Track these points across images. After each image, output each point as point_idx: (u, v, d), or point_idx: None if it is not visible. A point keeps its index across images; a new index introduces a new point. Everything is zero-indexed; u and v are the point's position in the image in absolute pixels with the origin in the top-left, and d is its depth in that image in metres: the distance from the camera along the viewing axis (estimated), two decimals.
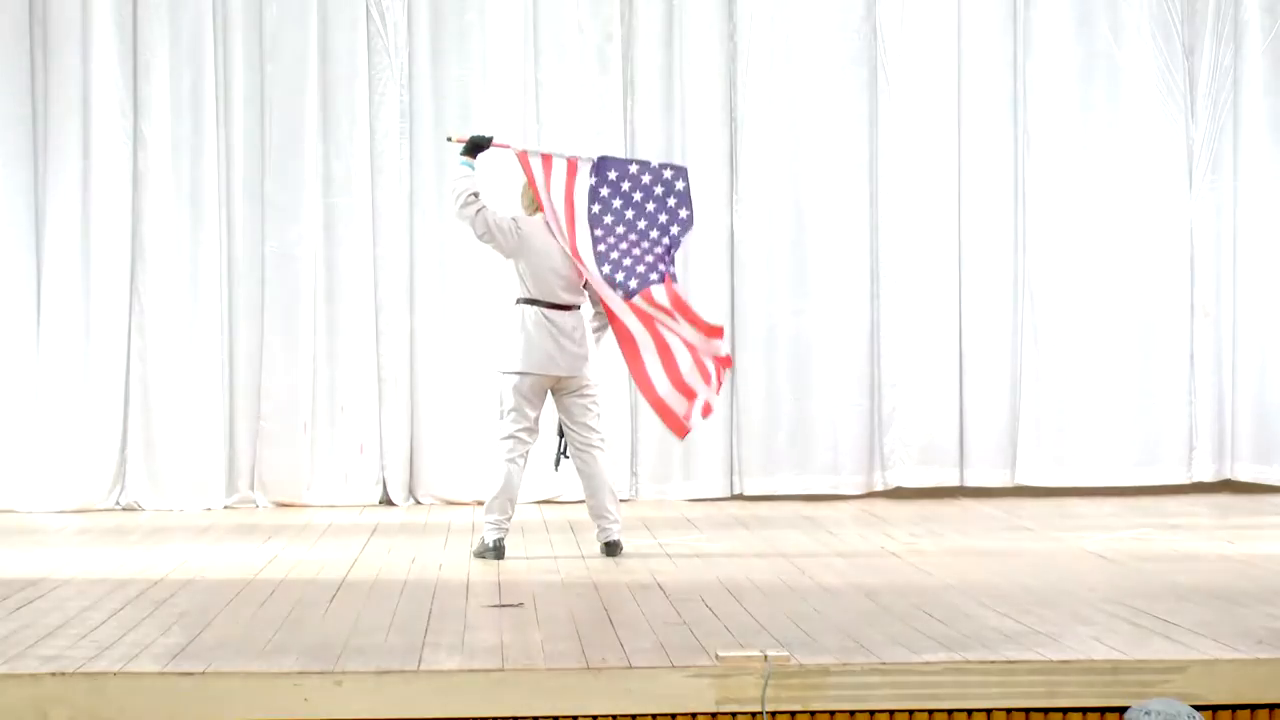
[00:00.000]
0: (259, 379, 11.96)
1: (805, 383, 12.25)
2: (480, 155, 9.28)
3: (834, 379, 12.26)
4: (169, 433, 11.80)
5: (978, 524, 10.82)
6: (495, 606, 7.65)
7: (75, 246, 11.80)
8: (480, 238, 9.28)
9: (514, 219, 9.21)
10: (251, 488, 11.97)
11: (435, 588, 8.21)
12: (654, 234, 9.10)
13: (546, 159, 9.11)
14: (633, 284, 9.06)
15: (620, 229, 9.07)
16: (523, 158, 9.11)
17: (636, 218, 9.08)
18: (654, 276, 9.07)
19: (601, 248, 9.03)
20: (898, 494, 12.25)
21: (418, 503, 12.03)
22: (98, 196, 11.79)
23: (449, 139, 9.78)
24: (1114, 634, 6.82)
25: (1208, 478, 12.43)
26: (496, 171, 9.96)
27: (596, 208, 9.05)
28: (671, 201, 9.11)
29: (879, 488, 12.30)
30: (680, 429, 9.21)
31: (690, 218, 9.16)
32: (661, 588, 8.17)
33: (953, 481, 12.33)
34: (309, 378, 11.94)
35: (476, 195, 9.14)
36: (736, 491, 12.24)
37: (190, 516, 11.45)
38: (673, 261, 9.17)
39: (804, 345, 12.26)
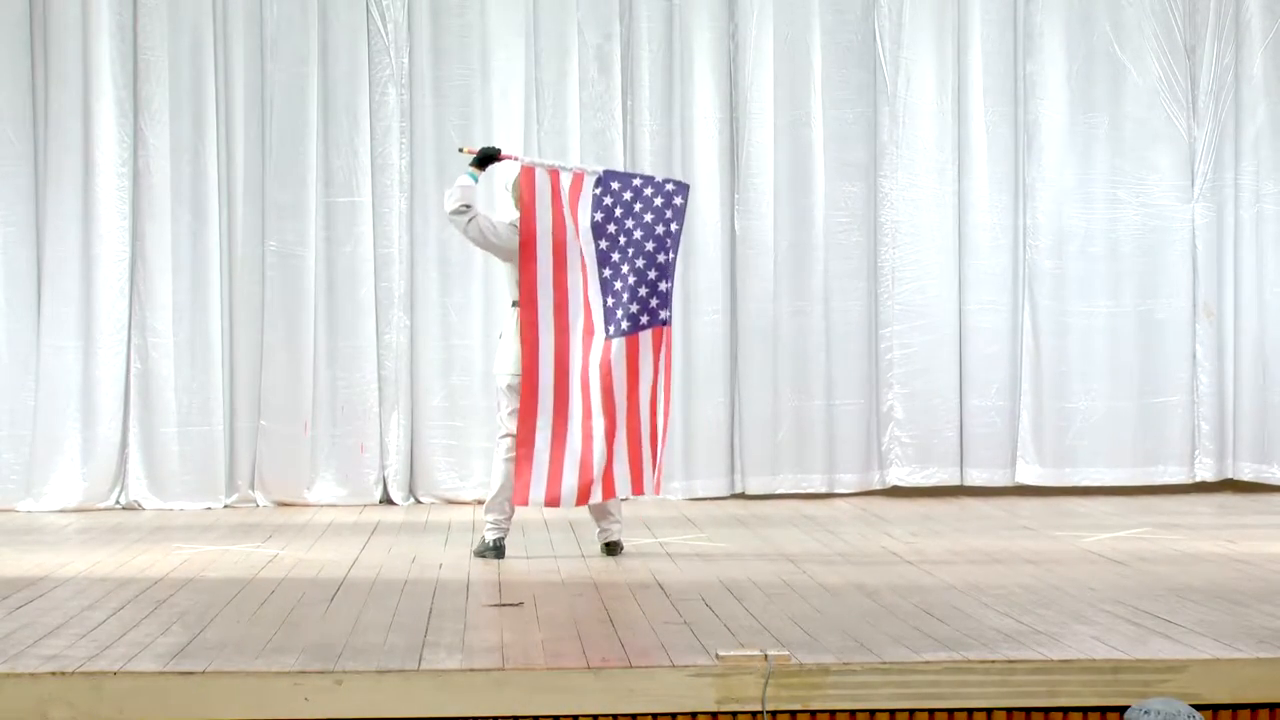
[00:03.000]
0: (259, 378, 11.96)
1: (806, 382, 12.26)
2: (488, 167, 9.32)
3: (834, 378, 12.26)
4: (169, 432, 11.81)
5: (977, 523, 10.81)
6: (495, 606, 7.65)
7: (75, 246, 11.80)
8: (476, 243, 9.31)
9: (511, 223, 9.20)
10: (252, 487, 11.97)
11: (435, 587, 8.21)
12: (661, 257, 8.97)
13: (553, 173, 9.05)
14: (625, 325, 8.94)
15: (621, 240, 8.97)
16: (528, 172, 9.05)
17: (636, 226, 8.99)
18: (645, 320, 8.98)
19: (608, 272, 8.93)
20: (898, 493, 12.26)
21: (418, 502, 12.03)
22: (98, 196, 11.80)
23: (460, 150, 9.83)
24: (1114, 633, 6.82)
25: (1209, 477, 12.43)
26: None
27: (599, 215, 8.98)
28: (669, 214, 9.02)
29: (879, 487, 12.31)
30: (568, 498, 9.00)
31: (679, 233, 9.09)
32: (662, 587, 8.17)
33: (953, 481, 12.34)
34: (309, 377, 11.95)
35: (469, 206, 9.12)
36: (737, 490, 12.24)
37: (191, 516, 11.46)
38: (665, 306, 9.01)
39: (804, 344, 12.26)
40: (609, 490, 8.98)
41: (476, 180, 9.22)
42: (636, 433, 8.93)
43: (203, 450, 11.84)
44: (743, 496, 12.19)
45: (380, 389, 12.05)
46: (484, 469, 11.64)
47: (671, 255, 9.02)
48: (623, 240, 8.97)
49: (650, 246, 8.96)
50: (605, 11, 12.21)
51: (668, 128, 12.21)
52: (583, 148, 12.10)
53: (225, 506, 11.83)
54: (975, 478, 12.36)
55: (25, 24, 11.82)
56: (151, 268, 11.87)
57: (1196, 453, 12.43)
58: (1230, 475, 12.47)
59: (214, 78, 11.91)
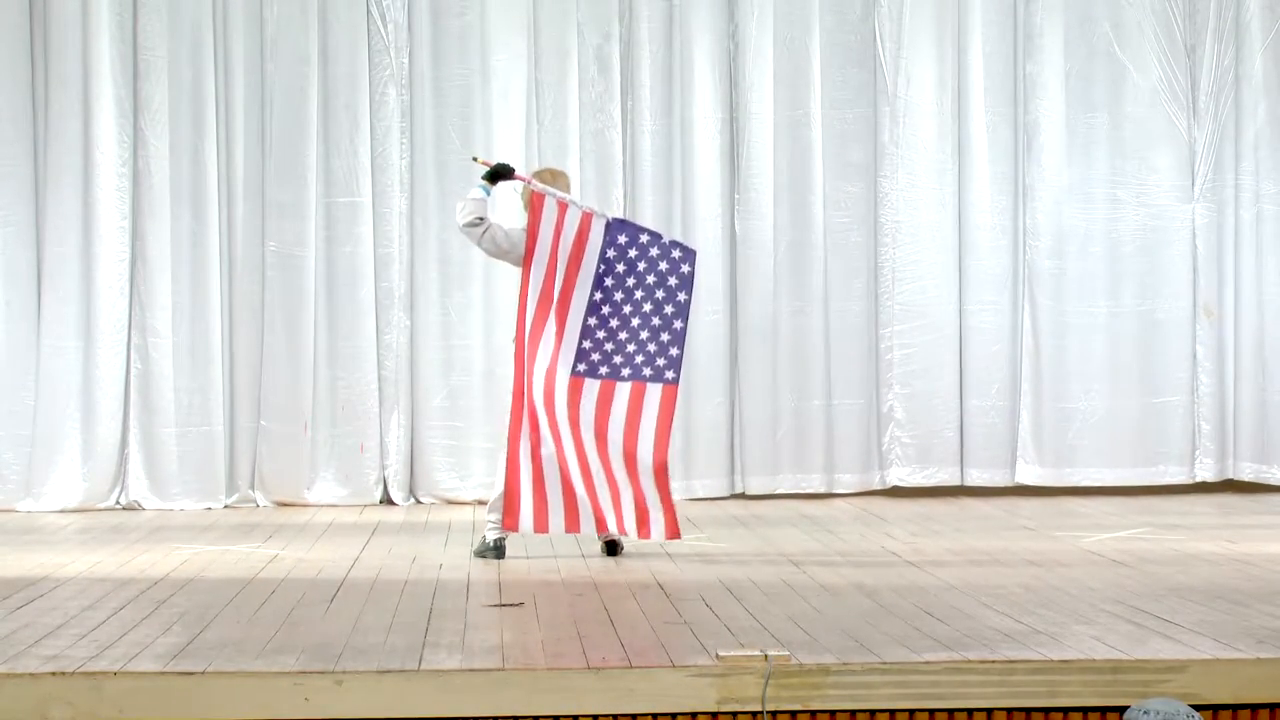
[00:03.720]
0: (259, 379, 11.97)
1: (805, 382, 12.26)
2: (500, 183, 9.25)
3: (834, 378, 12.27)
4: (169, 432, 11.81)
5: (977, 523, 10.82)
6: (496, 606, 7.65)
7: (75, 246, 11.81)
8: (490, 254, 9.26)
9: (523, 228, 9.17)
10: (252, 487, 11.98)
11: (436, 587, 8.21)
12: (655, 321, 8.94)
13: (562, 205, 9.01)
14: (603, 370, 8.92)
15: (618, 295, 8.96)
16: (537, 199, 9.02)
17: (644, 296, 8.99)
18: (627, 373, 8.97)
19: (593, 320, 8.92)
20: (898, 493, 12.26)
21: (418, 502, 12.03)
22: (98, 196, 11.80)
23: (474, 159, 9.79)
24: (1114, 633, 6.82)
25: (1210, 477, 12.43)
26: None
27: (603, 267, 8.97)
28: (673, 281, 8.98)
29: (879, 487, 12.31)
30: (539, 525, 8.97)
31: (689, 301, 9.06)
32: (662, 587, 8.17)
33: (953, 481, 12.34)
34: (309, 377, 11.95)
35: (483, 219, 9.07)
36: (737, 490, 12.25)
37: (191, 516, 11.46)
38: (672, 368, 8.95)
39: (804, 344, 12.26)
40: (600, 524, 9.00)
41: (488, 194, 9.18)
42: (641, 480, 8.92)
43: (203, 450, 11.84)
44: (743, 496, 12.19)
45: (380, 389, 12.05)
46: (484, 469, 11.65)
47: (680, 324, 8.99)
48: (619, 296, 8.95)
49: (648, 308, 8.97)
50: (605, 12, 12.21)
51: (668, 128, 12.21)
52: (582, 148, 12.11)
53: (225, 507, 11.83)
54: (975, 478, 12.36)
55: (25, 24, 11.82)
56: (151, 268, 11.87)
57: (1197, 453, 12.43)
58: (1230, 475, 12.47)
59: (214, 78, 11.91)
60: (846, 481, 12.27)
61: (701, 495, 12.13)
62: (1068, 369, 12.38)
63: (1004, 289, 12.41)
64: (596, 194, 11.98)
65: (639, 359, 8.95)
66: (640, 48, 12.21)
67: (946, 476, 12.36)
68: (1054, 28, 12.37)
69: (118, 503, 11.84)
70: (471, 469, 11.97)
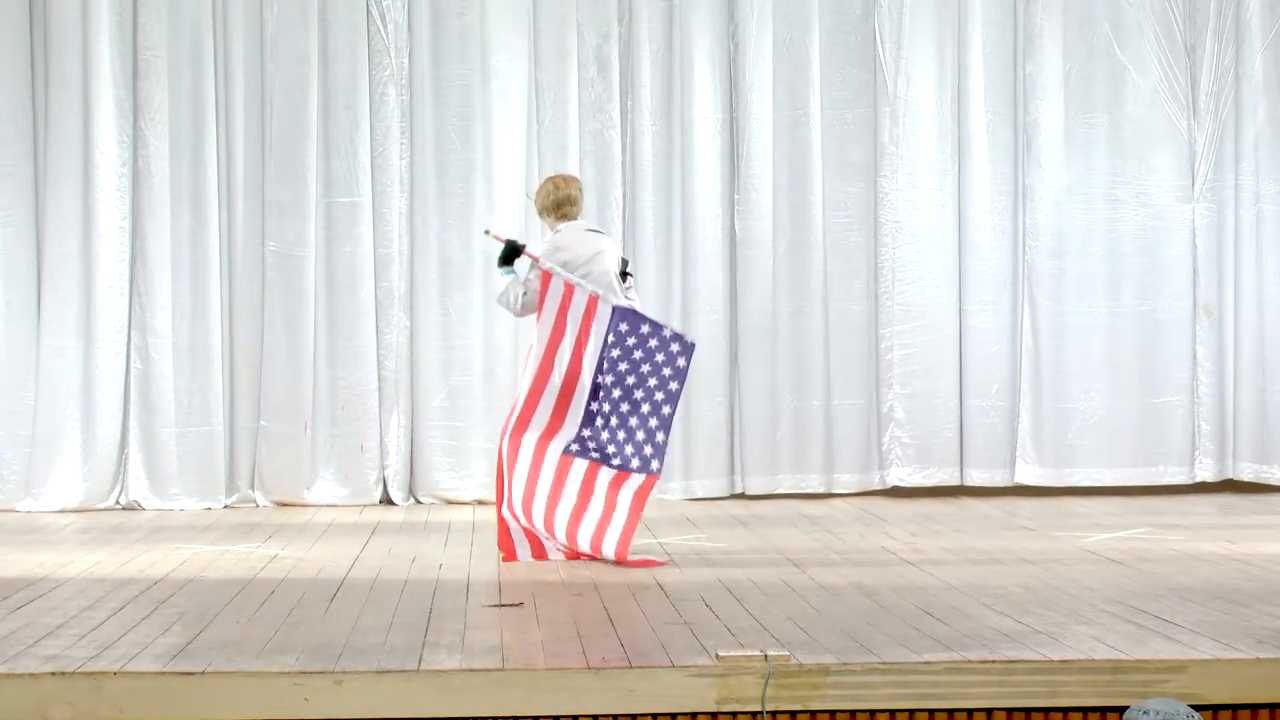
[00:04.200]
0: (259, 379, 11.97)
1: (805, 382, 12.26)
2: (515, 261, 9.22)
3: (834, 378, 12.27)
4: (169, 432, 11.81)
5: (977, 523, 10.82)
6: (495, 606, 7.66)
7: (75, 246, 11.81)
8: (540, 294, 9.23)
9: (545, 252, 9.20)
10: (252, 487, 11.98)
11: (435, 587, 8.21)
12: (645, 409, 9.00)
13: (569, 287, 9.04)
14: (593, 455, 8.99)
15: (617, 386, 9.00)
16: (545, 277, 9.05)
17: (637, 384, 9.00)
18: (616, 462, 8.99)
19: (595, 405, 8.98)
20: (898, 493, 12.26)
21: (418, 502, 12.03)
22: (98, 196, 11.80)
23: (486, 232, 9.81)
24: (1114, 634, 6.82)
25: (1210, 478, 12.43)
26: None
27: (615, 351, 9.02)
28: (668, 372, 9.04)
29: (878, 487, 12.31)
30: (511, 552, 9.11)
31: (679, 392, 9.10)
32: (662, 587, 8.17)
33: (953, 481, 12.34)
34: (309, 377, 11.95)
35: (524, 293, 9.13)
36: (737, 490, 12.25)
37: (190, 516, 11.46)
38: (657, 457, 9.01)
39: (804, 344, 12.27)
40: (595, 550, 9.06)
41: (515, 274, 9.19)
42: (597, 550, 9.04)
43: (203, 450, 11.85)
44: (743, 496, 12.19)
45: (380, 389, 12.05)
46: (484, 469, 11.65)
47: (669, 410, 9.05)
48: (617, 387, 9.00)
49: (639, 395, 9.01)
50: (605, 12, 12.21)
51: (668, 129, 12.21)
52: (582, 148, 12.11)
53: (225, 506, 11.83)
54: (975, 478, 12.36)
55: (25, 24, 11.82)
56: (151, 268, 11.87)
57: (1197, 453, 12.43)
58: (1230, 475, 12.46)
59: (214, 78, 11.91)
60: (846, 481, 12.28)
61: (701, 495, 12.13)
62: (1067, 369, 12.39)
63: (1004, 289, 12.42)
64: (596, 194, 11.98)
65: (628, 449, 9.02)
66: (640, 48, 12.22)
67: (946, 476, 12.36)
68: (1054, 28, 12.37)
69: (118, 503, 11.84)
70: (471, 469, 11.97)
